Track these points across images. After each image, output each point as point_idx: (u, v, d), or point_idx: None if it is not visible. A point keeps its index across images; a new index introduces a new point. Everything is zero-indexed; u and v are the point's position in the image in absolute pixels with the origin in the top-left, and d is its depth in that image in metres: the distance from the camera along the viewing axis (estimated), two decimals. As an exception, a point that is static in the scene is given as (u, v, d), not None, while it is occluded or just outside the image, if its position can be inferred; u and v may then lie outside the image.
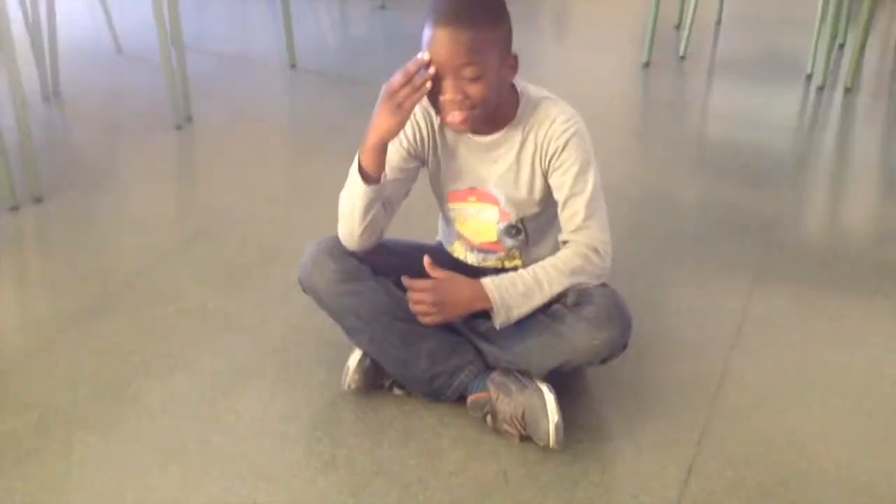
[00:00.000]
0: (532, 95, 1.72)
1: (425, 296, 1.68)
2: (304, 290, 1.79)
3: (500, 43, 1.63)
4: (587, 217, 1.70)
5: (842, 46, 3.79)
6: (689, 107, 3.43)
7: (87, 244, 2.41)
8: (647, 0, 3.59)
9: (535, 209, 1.77)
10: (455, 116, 1.63)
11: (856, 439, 1.74)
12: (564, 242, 1.73)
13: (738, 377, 1.90)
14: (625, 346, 1.70)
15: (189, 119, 3.14)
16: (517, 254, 1.83)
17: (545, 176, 1.72)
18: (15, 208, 2.55)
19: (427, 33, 1.60)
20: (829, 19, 3.46)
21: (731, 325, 2.06)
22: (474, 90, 1.60)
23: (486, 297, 1.67)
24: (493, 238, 1.82)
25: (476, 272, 1.81)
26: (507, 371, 1.73)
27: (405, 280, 1.69)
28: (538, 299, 1.69)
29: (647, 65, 3.64)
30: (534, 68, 3.53)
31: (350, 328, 1.77)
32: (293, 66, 3.65)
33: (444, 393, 1.76)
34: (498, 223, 1.79)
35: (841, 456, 1.69)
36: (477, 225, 1.82)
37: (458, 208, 1.83)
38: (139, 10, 4.09)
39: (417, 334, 1.72)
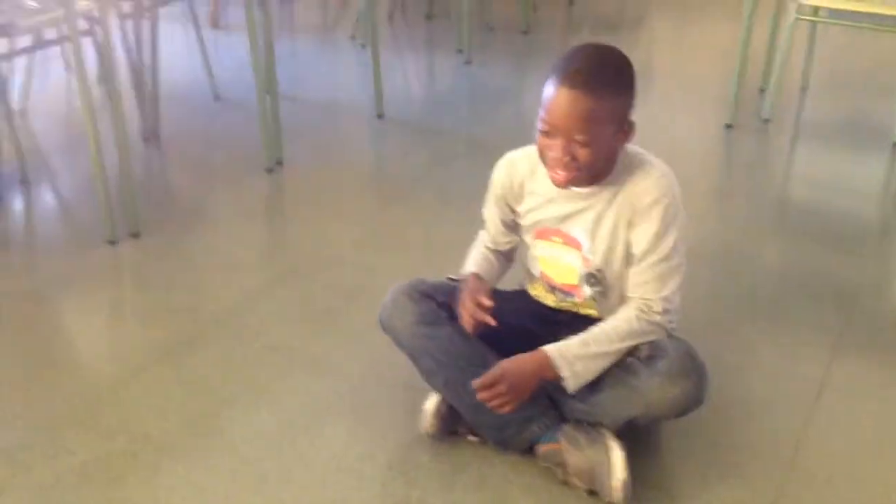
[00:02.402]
0: (632, 154, 1.76)
1: (497, 388, 1.68)
2: (384, 330, 1.85)
3: (619, 112, 1.67)
4: (654, 276, 1.73)
5: (930, 115, 3.75)
6: (772, 169, 3.42)
7: (180, 279, 2.52)
8: (733, 62, 3.62)
9: (615, 263, 1.79)
10: (559, 175, 1.68)
11: (936, 513, 1.71)
12: (629, 298, 1.76)
13: (815, 444, 1.88)
14: (701, 401, 1.71)
15: (280, 163, 3.25)
16: (593, 304, 1.86)
17: (628, 229, 1.75)
18: (113, 242, 2.68)
19: (550, 89, 1.64)
20: (918, 87, 3.43)
21: (809, 391, 2.04)
22: (582, 154, 1.65)
23: (551, 366, 1.69)
24: (575, 281, 1.84)
25: (553, 315, 1.87)
26: (579, 423, 1.75)
27: (473, 382, 1.70)
28: (604, 361, 1.71)
29: (730, 126, 3.65)
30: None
31: (426, 370, 1.82)
32: (380, 115, 3.76)
33: (514, 442, 1.79)
34: (580, 268, 1.82)
35: (920, 529, 1.67)
36: (559, 266, 1.85)
37: (543, 246, 1.86)
38: (237, 58, 4.27)
39: None
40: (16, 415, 1.95)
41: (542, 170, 1.77)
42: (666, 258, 1.72)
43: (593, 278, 1.82)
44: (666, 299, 1.73)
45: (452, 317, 1.81)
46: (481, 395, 1.69)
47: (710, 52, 4.68)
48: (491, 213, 1.92)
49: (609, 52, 1.69)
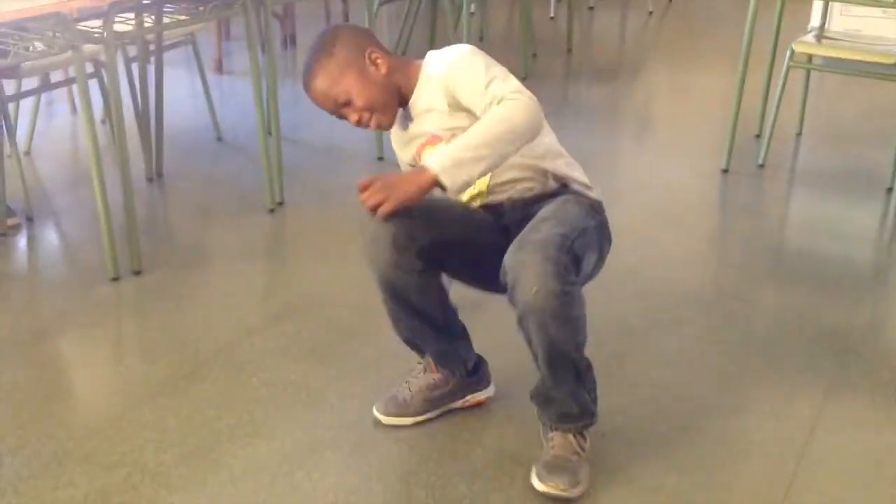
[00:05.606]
0: (426, 65, 1.92)
1: (374, 185, 1.73)
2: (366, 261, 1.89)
3: (345, 64, 1.87)
4: (492, 96, 1.78)
5: (924, 163, 3.80)
6: (767, 214, 3.47)
7: (180, 316, 2.54)
8: (729, 109, 3.68)
9: (468, 123, 1.83)
10: (372, 127, 1.90)
11: (927, 552, 1.72)
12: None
13: (807, 483, 1.90)
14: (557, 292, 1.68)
15: (281, 203, 3.30)
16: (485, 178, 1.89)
17: (456, 100, 1.85)
18: (116, 279, 2.71)
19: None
20: (911, 135, 3.48)
21: (802, 431, 2.06)
22: (359, 103, 1.87)
23: (428, 169, 1.73)
24: None
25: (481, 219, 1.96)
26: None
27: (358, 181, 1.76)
28: (475, 152, 1.72)
29: (725, 171, 3.70)
30: (615, 171, 3.62)
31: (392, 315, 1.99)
32: (380, 158, 3.81)
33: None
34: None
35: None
36: None
37: (425, 157, 1.92)
38: (240, 103, 4.34)
39: None
40: (21, 447, 1.97)
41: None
42: (491, 80, 1.80)
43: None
44: (516, 88, 1.79)
45: (426, 267, 1.85)
46: (361, 197, 1.74)
47: (706, 100, 4.75)
48: None
49: (317, 39, 1.92)
